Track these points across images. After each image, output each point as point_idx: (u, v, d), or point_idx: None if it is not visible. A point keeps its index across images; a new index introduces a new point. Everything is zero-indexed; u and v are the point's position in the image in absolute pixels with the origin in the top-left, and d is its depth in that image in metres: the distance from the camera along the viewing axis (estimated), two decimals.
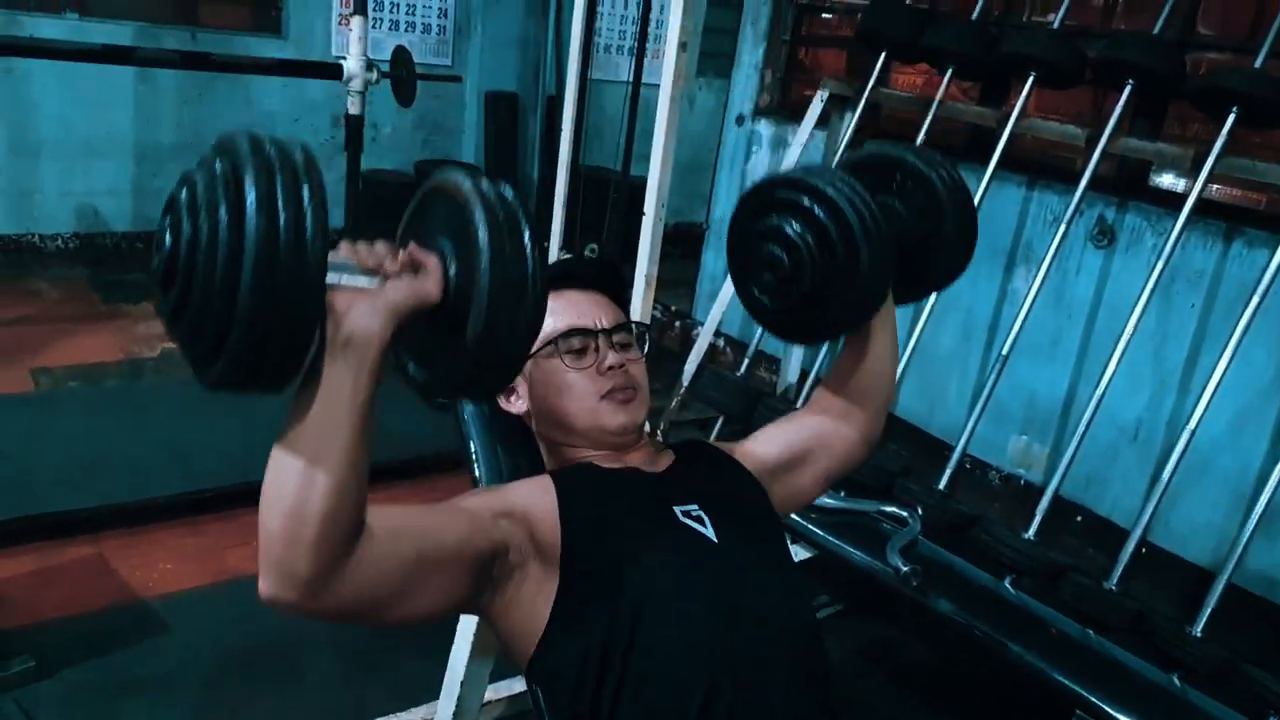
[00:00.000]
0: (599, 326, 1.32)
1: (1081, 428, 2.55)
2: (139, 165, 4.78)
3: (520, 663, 1.18)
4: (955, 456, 2.80)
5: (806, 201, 1.18)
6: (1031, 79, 2.91)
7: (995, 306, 3.40)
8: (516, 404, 1.37)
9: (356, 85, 4.05)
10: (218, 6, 4.94)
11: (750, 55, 4.31)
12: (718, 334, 4.33)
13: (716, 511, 1.25)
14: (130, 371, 3.69)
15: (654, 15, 4.01)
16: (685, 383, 3.85)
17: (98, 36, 4.26)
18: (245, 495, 2.96)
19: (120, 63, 3.96)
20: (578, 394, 1.29)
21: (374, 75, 4.08)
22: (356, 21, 3.99)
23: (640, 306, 3.68)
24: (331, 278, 0.86)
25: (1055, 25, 2.98)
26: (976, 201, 2.89)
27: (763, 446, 1.43)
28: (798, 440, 1.43)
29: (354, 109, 4.10)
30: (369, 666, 2.30)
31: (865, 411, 1.42)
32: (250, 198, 0.77)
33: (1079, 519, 3.18)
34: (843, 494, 2.71)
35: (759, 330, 3.29)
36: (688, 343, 3.96)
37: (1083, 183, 2.76)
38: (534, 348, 1.31)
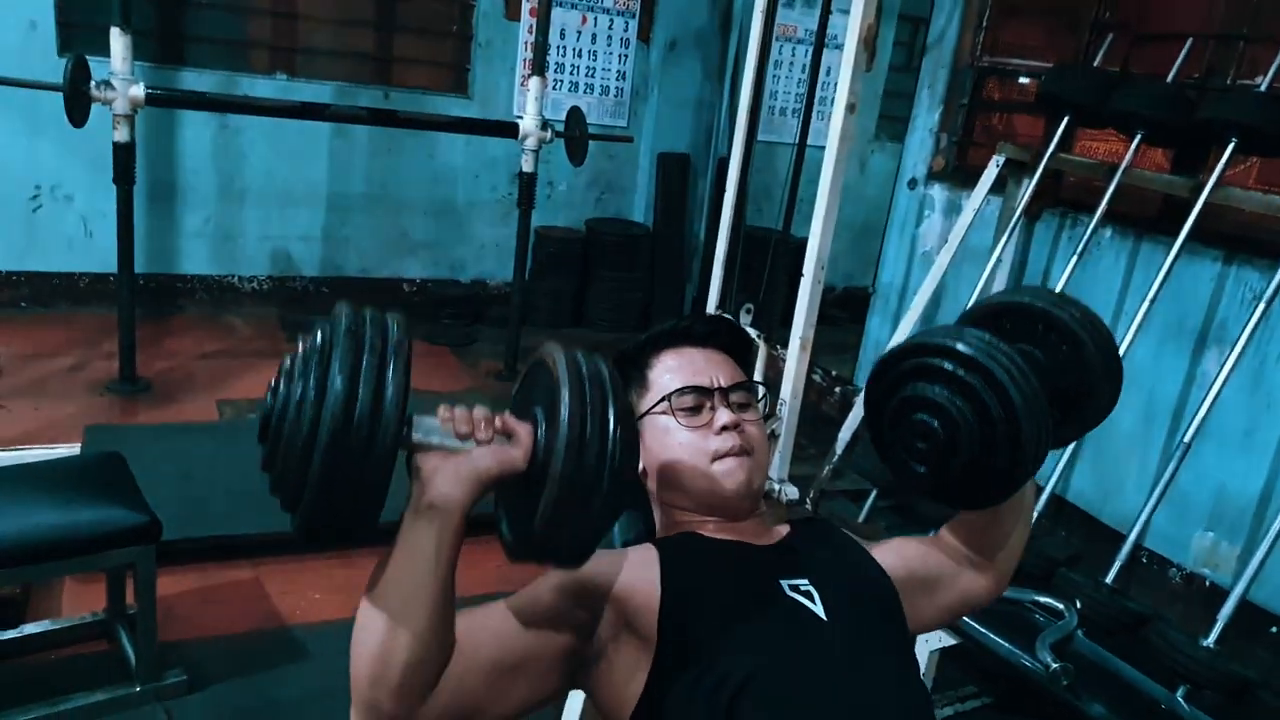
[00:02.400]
0: (715, 385, 1.28)
1: (1278, 528, 2.30)
2: (330, 214, 5.12)
3: None
4: (1126, 548, 2.58)
5: (961, 372, 1.10)
6: (1232, 145, 2.71)
7: (1182, 389, 3.13)
8: None
9: (531, 144, 4.22)
10: (411, 66, 5.25)
11: (925, 118, 4.21)
12: None
13: (828, 588, 1.18)
14: None
15: (823, 78, 3.98)
16: (839, 451, 3.74)
17: (302, 95, 4.63)
18: (394, 533, 3.07)
19: (314, 118, 4.27)
20: (689, 453, 1.25)
21: (548, 134, 4.24)
22: (534, 83, 4.16)
23: (794, 369, 3.63)
24: (422, 439, 0.93)
25: (1262, 87, 2.76)
26: (1163, 276, 2.75)
27: (891, 556, 1.32)
28: (928, 565, 1.33)
29: (528, 166, 4.26)
30: None
31: (994, 565, 1.33)
32: (335, 373, 0.84)
33: (1274, 630, 2.85)
34: None
35: None
36: (846, 409, 3.84)
37: None
38: (648, 405, 1.30)
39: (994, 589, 1.35)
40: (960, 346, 1.10)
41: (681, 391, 1.27)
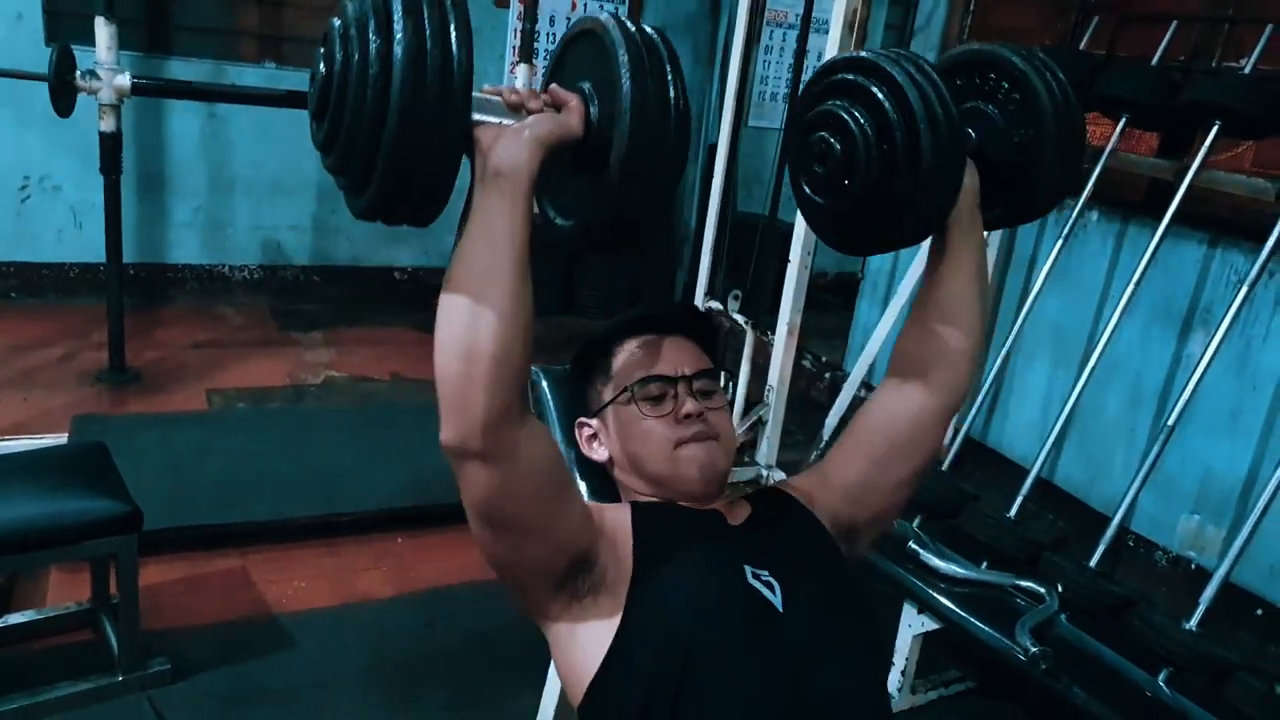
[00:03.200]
0: (679, 374, 1.28)
1: (1262, 509, 2.30)
2: (319, 203, 5.10)
3: (573, 705, 1.15)
4: (1110, 531, 2.59)
5: (864, 81, 1.02)
6: (1216, 128, 2.70)
7: (1168, 372, 3.13)
8: (599, 451, 1.34)
9: None
10: None
11: None
12: (867, 387, 4.20)
13: (788, 579, 1.17)
14: (293, 396, 3.91)
15: (812, 63, 3.96)
16: (825, 436, 3.74)
17: (290, 83, 4.58)
18: (381, 521, 3.06)
19: (300, 106, 4.22)
20: (654, 441, 1.26)
21: None
22: (521, 70, 4.14)
23: (781, 355, 3.62)
24: (476, 115, 0.91)
25: (1246, 70, 2.76)
26: (1148, 258, 2.75)
27: (838, 476, 1.31)
28: (873, 446, 1.28)
29: None
30: (479, 697, 2.32)
31: (943, 363, 1.22)
32: (399, 28, 0.80)
33: (1259, 612, 2.86)
34: (985, 565, 2.55)
35: None
36: (836, 395, 3.84)
37: (1270, 241, 2.52)
38: (611, 395, 1.30)
39: (949, 404, 1.25)
40: (868, 56, 1.04)
41: (645, 381, 1.27)
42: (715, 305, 3.95)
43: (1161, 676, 2.20)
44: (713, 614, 1.11)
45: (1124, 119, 2.95)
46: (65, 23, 4.22)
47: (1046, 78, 1.13)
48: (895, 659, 2.44)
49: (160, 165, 4.72)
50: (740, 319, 3.85)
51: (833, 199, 1.08)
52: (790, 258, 3.53)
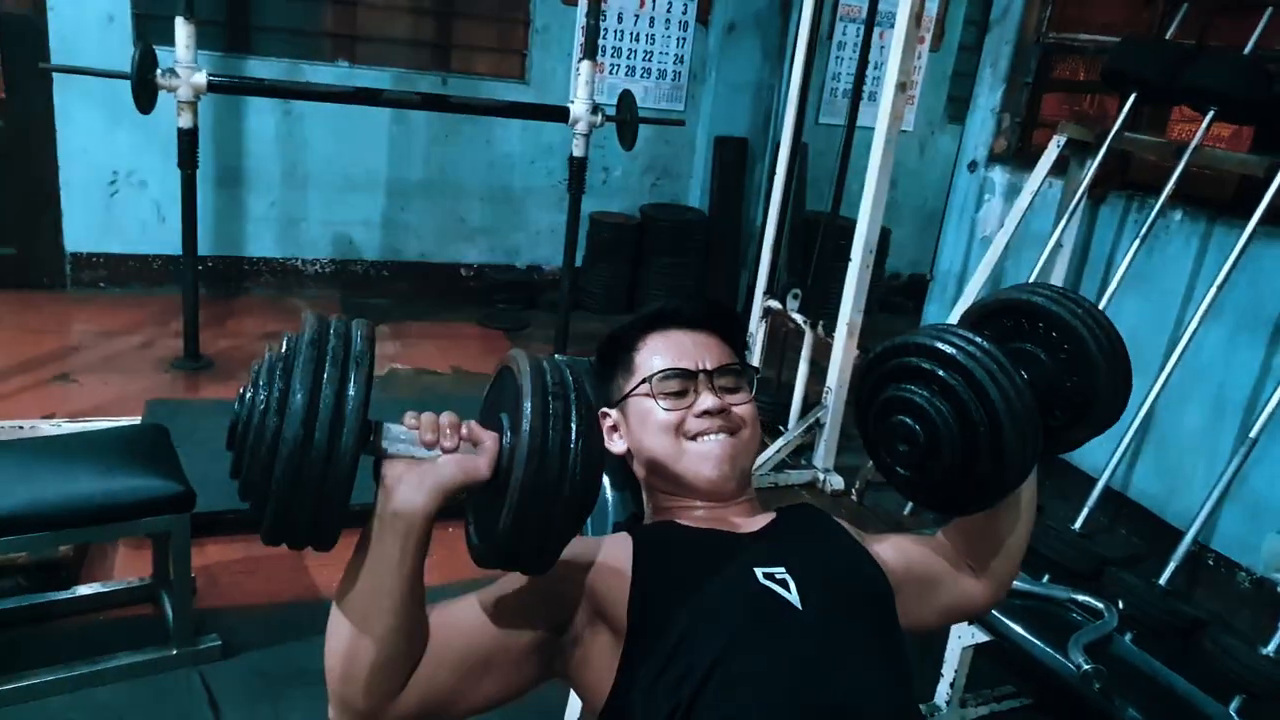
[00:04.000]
0: (700, 367, 1.25)
1: None
2: (390, 199, 5.19)
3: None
4: (1183, 548, 2.47)
5: (941, 372, 1.06)
6: None
7: (1255, 382, 2.97)
8: (618, 443, 1.32)
9: (581, 128, 4.20)
10: (469, 53, 5.27)
11: (987, 98, 4.07)
12: None
13: (806, 575, 1.13)
14: None
15: (874, 57, 3.87)
16: None
17: (363, 81, 4.69)
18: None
19: (368, 103, 4.32)
20: (670, 436, 1.23)
21: (598, 118, 4.21)
22: (585, 66, 4.14)
23: (841, 356, 3.55)
24: (389, 447, 0.93)
25: None
26: (1234, 260, 2.61)
27: (890, 551, 1.28)
28: (928, 565, 1.30)
29: (578, 151, 4.25)
30: None
31: (989, 572, 1.31)
32: (297, 382, 0.85)
33: None
34: (1047, 578, 2.45)
35: None
36: None
37: None
38: (630, 386, 1.28)
39: (990, 597, 1.33)
40: (940, 345, 1.06)
41: (664, 374, 1.25)
42: (774, 304, 3.90)
43: (1234, 704, 2.08)
44: (722, 621, 1.07)
45: (1211, 112, 2.80)
46: (152, 24, 4.36)
47: (1094, 330, 1.16)
48: (944, 670, 2.36)
49: (238, 161, 4.85)
50: (799, 318, 3.79)
51: (918, 474, 1.12)
52: (851, 257, 3.46)
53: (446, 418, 0.95)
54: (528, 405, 0.92)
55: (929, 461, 1.08)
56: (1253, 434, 2.46)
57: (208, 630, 2.30)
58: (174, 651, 2.24)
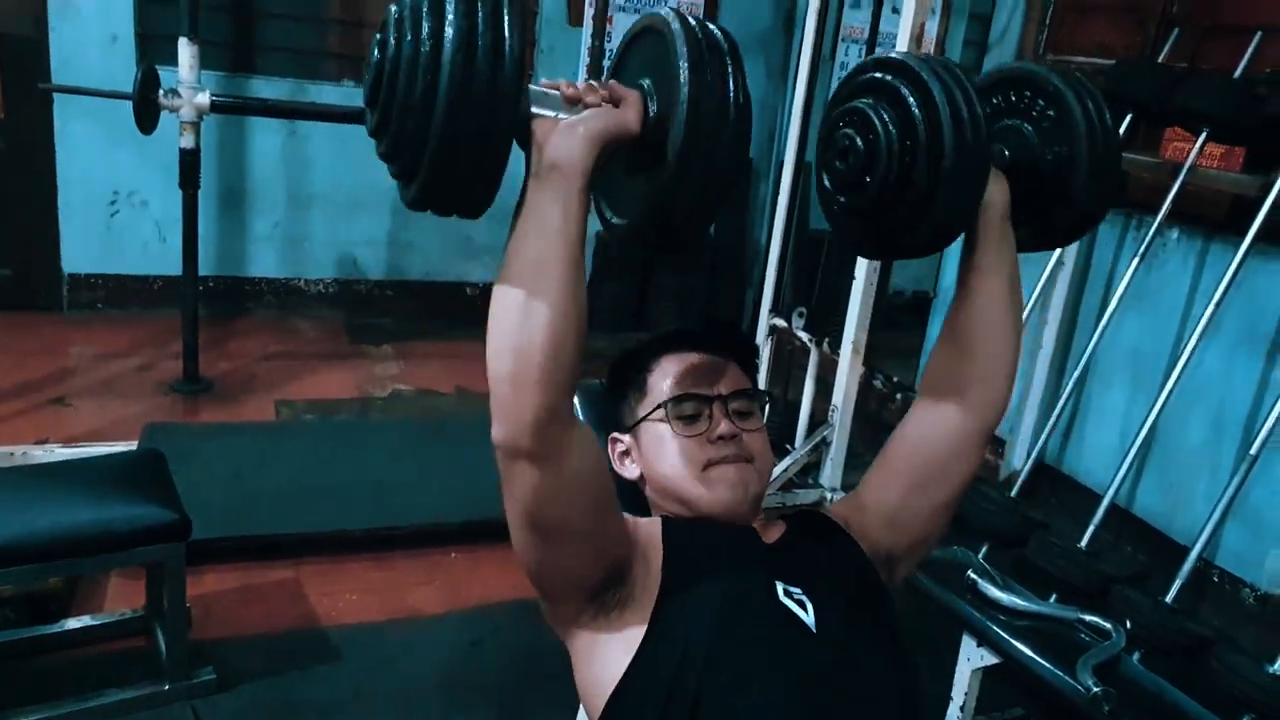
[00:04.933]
0: (715, 393, 1.25)
1: None
2: (394, 219, 5.19)
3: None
4: (1188, 565, 2.45)
5: (891, 78, 1.02)
6: None
7: (1255, 398, 2.96)
8: (630, 469, 1.32)
9: None
10: None
11: None
12: None
13: (821, 597, 1.14)
14: (360, 409, 3.97)
15: None
16: None
17: None
18: (434, 536, 3.08)
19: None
20: (685, 461, 1.23)
21: None
22: None
23: (847, 374, 3.55)
24: (532, 108, 0.91)
25: None
26: (1230, 277, 2.61)
27: (875, 503, 1.28)
28: (909, 470, 1.25)
29: None
30: (520, 717, 2.30)
31: (978, 380, 1.19)
32: (450, 16, 0.80)
33: None
34: (1053, 598, 2.44)
35: None
36: None
37: None
38: (645, 412, 1.27)
39: (985, 425, 1.22)
40: (896, 55, 1.05)
41: (679, 399, 1.25)
42: (780, 322, 3.90)
43: None
44: (738, 629, 1.08)
45: (1204, 133, 2.82)
46: (156, 44, 4.39)
47: (1083, 97, 1.12)
48: (954, 693, 2.35)
49: (242, 181, 4.87)
50: (805, 336, 3.78)
51: (853, 197, 1.07)
52: (856, 274, 3.46)
53: (585, 81, 0.96)
54: (681, 46, 0.90)
55: (866, 176, 1.03)
56: (1253, 450, 2.45)
57: (203, 662, 2.26)
58: (167, 686, 2.19)
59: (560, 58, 5.28)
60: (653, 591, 1.10)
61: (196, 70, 3.60)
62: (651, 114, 0.93)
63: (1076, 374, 2.95)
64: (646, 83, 0.96)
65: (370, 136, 0.88)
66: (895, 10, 3.36)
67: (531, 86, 0.92)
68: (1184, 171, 2.84)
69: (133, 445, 3.11)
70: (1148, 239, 2.90)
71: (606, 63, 5.29)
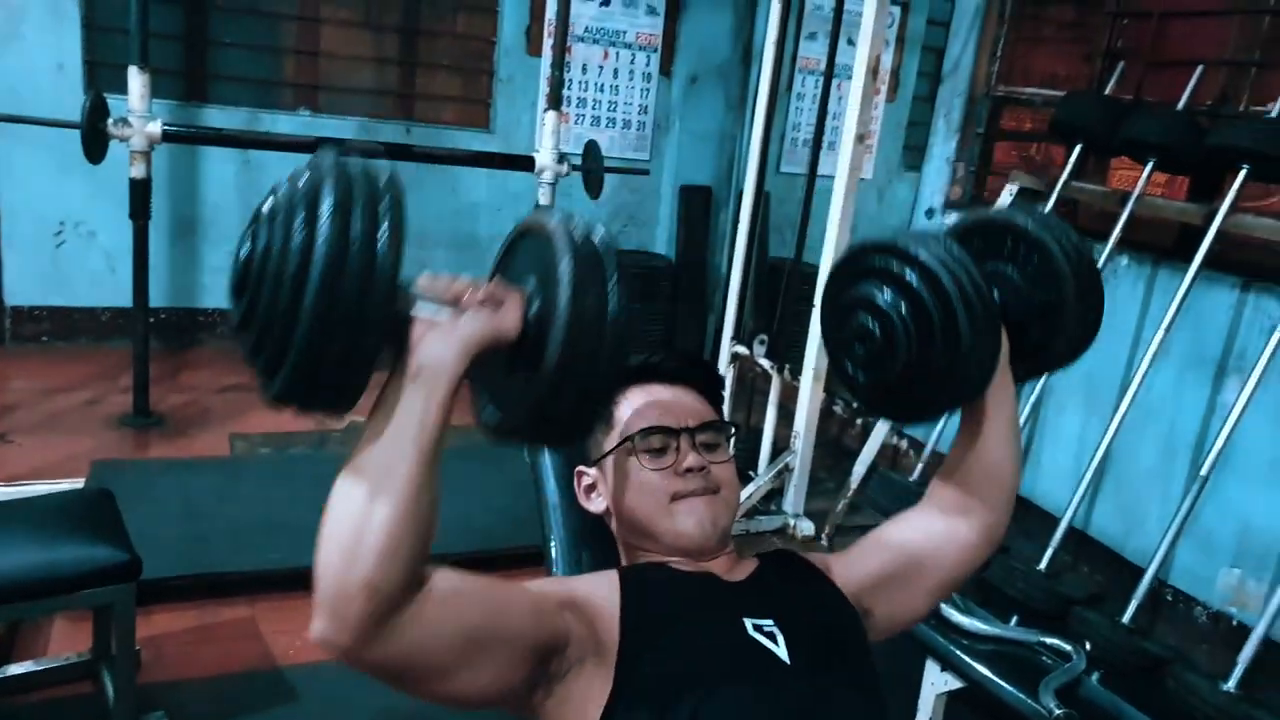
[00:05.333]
0: (682, 425, 1.24)
1: None
2: None
3: None
4: (1144, 586, 2.50)
5: (897, 266, 1.06)
6: (1244, 172, 2.64)
7: (1203, 420, 3.03)
8: (596, 502, 1.31)
9: (547, 177, 4.22)
10: (433, 103, 5.28)
11: (942, 148, 4.16)
12: (900, 434, 4.12)
13: (794, 630, 1.13)
14: (316, 441, 3.91)
15: (833, 108, 3.94)
16: (854, 484, 3.66)
17: (324, 131, 4.68)
18: None
19: None
20: (652, 494, 1.22)
21: (564, 168, 4.24)
22: (549, 116, 4.18)
23: (808, 401, 3.57)
24: (412, 307, 0.88)
25: (1273, 114, 2.69)
26: (1178, 303, 2.67)
27: (861, 562, 1.29)
28: (905, 549, 1.28)
29: (544, 199, 4.27)
30: None
31: (984, 508, 1.25)
32: (324, 209, 0.77)
33: None
34: (1015, 620, 2.46)
35: (938, 431, 3.09)
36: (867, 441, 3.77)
37: None
38: (612, 445, 1.27)
39: (988, 539, 1.27)
40: (898, 242, 1.07)
41: (646, 432, 1.24)
42: (741, 350, 3.92)
43: None
44: (711, 670, 1.07)
45: (1151, 163, 2.89)
46: (104, 72, 4.33)
47: (1064, 243, 1.17)
48: (918, 718, 2.35)
49: (194, 211, 4.80)
50: (766, 363, 3.80)
51: (875, 376, 1.12)
52: (815, 302, 3.48)
53: (466, 279, 0.92)
54: (564, 250, 0.89)
55: (886, 359, 1.07)
56: (1203, 471, 2.51)
57: (154, 706, 2.18)
58: None
59: (519, 88, 5.30)
60: (611, 648, 1.07)
61: (147, 99, 3.55)
62: (532, 317, 0.91)
63: (1033, 399, 3.00)
64: (530, 282, 0.94)
65: (233, 327, 0.85)
66: (851, 42, 3.41)
67: (410, 283, 0.89)
68: (1132, 200, 2.92)
69: (80, 483, 3.04)
70: (1099, 266, 2.95)
71: (569, 93, 5.33)
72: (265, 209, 0.82)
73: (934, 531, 1.27)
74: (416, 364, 0.87)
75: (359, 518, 0.85)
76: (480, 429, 0.98)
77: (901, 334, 1.05)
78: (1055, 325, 1.18)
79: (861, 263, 1.12)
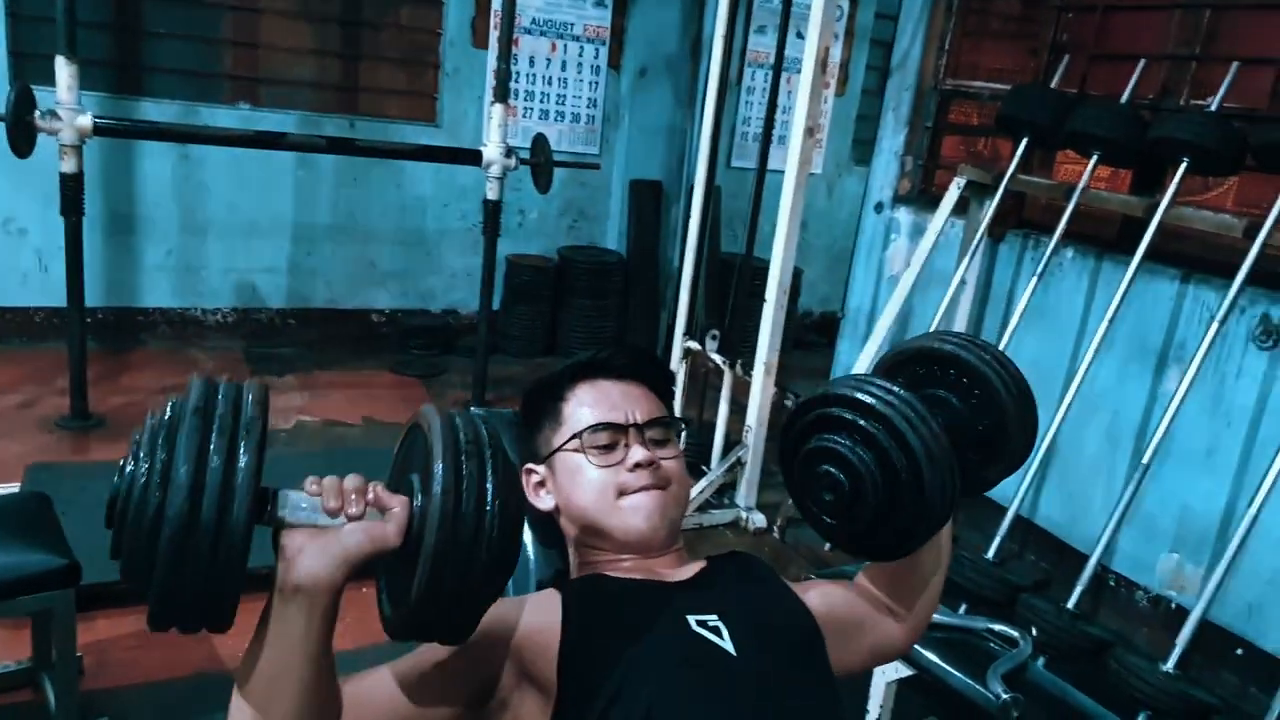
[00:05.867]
0: (630, 421, 1.23)
1: (1235, 547, 2.26)
2: (295, 245, 5.07)
3: None
4: (1088, 572, 2.54)
5: (862, 421, 1.09)
6: (1185, 165, 2.69)
7: (1144, 410, 3.09)
8: (545, 500, 1.29)
9: (495, 171, 4.18)
10: (378, 96, 5.21)
11: (890, 141, 4.19)
12: None
13: (739, 623, 1.13)
14: None
15: (783, 101, 3.96)
16: None
17: (266, 125, 4.59)
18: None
19: (270, 148, 4.23)
20: (600, 490, 1.21)
21: (512, 161, 4.20)
22: (496, 110, 4.14)
23: (760, 394, 3.58)
24: (289, 517, 0.87)
25: (1213, 108, 2.75)
26: (1121, 295, 2.72)
27: (815, 597, 1.28)
28: (852, 609, 1.30)
29: (492, 194, 4.23)
30: None
31: (910, 613, 1.31)
32: (178, 459, 0.79)
33: (1239, 652, 2.80)
34: (964, 609, 2.49)
35: None
36: None
37: (1239, 277, 2.50)
38: (559, 442, 1.25)
39: (909, 636, 1.33)
40: (860, 396, 1.09)
41: (595, 428, 1.23)
42: (693, 345, 3.92)
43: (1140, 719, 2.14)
44: (655, 670, 1.06)
45: (1095, 156, 2.94)
46: (31, 63, 4.20)
47: (1003, 375, 1.20)
48: (870, 705, 2.37)
49: (131, 207, 4.68)
50: (718, 359, 3.81)
51: (844, 522, 1.14)
52: (767, 297, 3.50)
53: (351, 481, 0.89)
54: (438, 466, 0.86)
55: (854, 509, 1.10)
56: (1145, 460, 2.56)
57: (98, 713, 2.15)
58: None
59: (464, 80, 5.25)
60: (551, 666, 1.07)
61: (76, 91, 3.44)
62: (415, 523, 0.90)
63: None
64: (415, 481, 0.92)
65: (110, 558, 0.85)
66: (800, 35, 3.42)
67: (290, 492, 0.88)
68: (1077, 193, 2.95)
69: (15, 488, 2.95)
70: (1045, 258, 3.00)
71: (516, 86, 5.28)
72: (133, 441, 0.83)
73: (865, 614, 1.31)
74: (294, 581, 0.85)
75: None
76: (382, 623, 0.96)
77: (870, 487, 1.08)
78: (996, 451, 1.23)
79: (820, 410, 1.13)
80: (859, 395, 1.09)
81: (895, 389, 1.09)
